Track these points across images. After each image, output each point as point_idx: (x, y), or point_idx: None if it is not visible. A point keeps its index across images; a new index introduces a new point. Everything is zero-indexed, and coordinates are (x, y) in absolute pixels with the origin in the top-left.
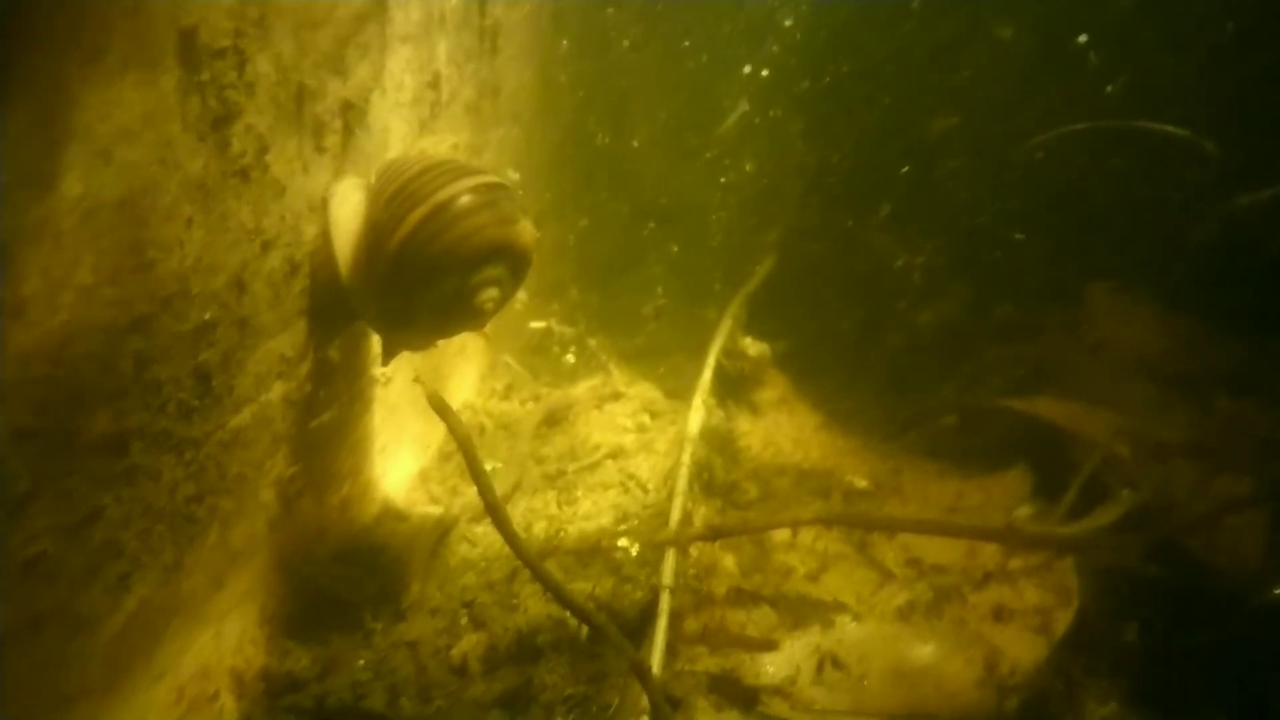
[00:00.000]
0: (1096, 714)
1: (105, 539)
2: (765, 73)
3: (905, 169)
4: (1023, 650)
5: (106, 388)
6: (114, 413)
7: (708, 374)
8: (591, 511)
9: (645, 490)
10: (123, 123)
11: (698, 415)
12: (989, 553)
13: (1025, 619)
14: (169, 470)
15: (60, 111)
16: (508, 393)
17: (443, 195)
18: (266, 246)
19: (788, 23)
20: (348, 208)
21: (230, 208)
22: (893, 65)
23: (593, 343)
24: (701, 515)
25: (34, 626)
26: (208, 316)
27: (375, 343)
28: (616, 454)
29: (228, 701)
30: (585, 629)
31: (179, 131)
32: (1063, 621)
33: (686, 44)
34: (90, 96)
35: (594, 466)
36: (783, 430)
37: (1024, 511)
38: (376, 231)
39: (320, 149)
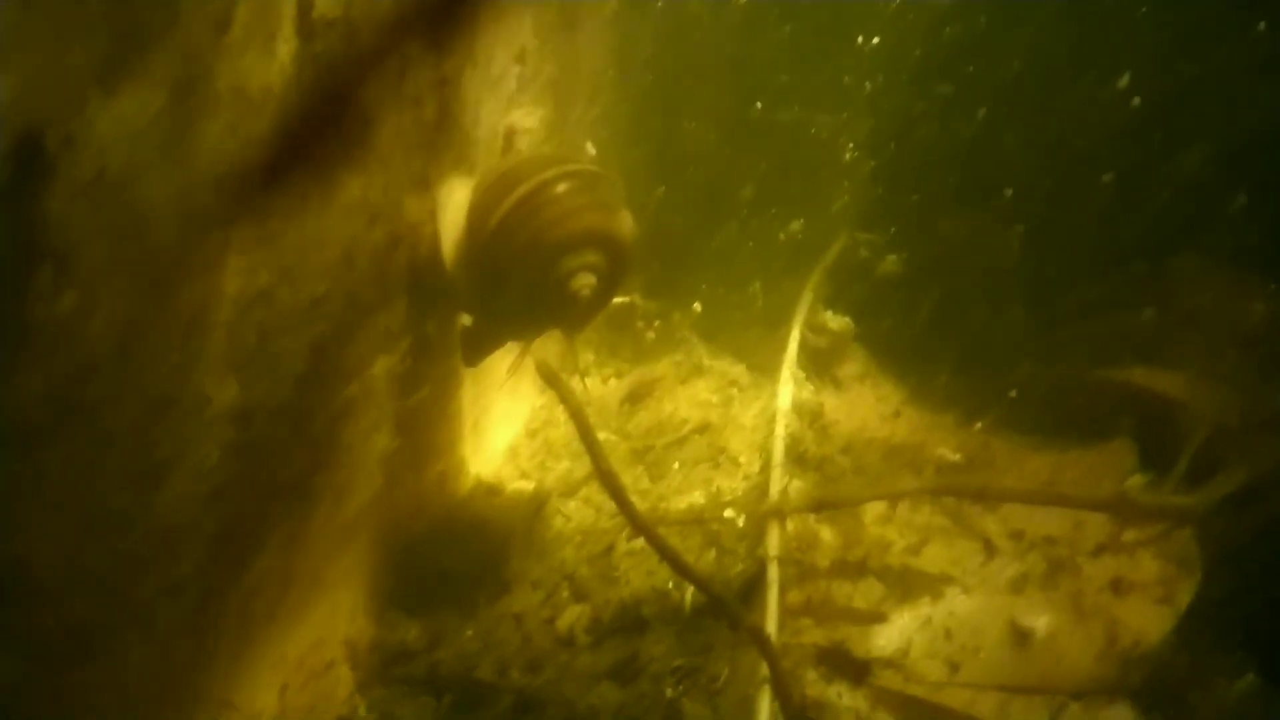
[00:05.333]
0: (1230, 690)
1: (232, 510)
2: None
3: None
4: (1146, 622)
5: (234, 358)
6: (240, 383)
7: (793, 347)
8: (683, 486)
9: (737, 464)
10: (249, 95)
11: (788, 388)
12: (1097, 524)
13: (1146, 590)
14: (286, 442)
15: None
16: (588, 370)
17: (544, 176)
18: (372, 221)
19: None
20: (456, 197)
21: (340, 181)
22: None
23: (677, 317)
24: (797, 489)
25: (174, 593)
26: (321, 289)
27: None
28: (704, 429)
29: (343, 671)
30: (689, 601)
31: (295, 105)
32: (1186, 593)
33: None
34: (222, 67)
35: (682, 441)
36: (868, 404)
37: (1136, 482)
38: (478, 212)
39: (418, 122)
